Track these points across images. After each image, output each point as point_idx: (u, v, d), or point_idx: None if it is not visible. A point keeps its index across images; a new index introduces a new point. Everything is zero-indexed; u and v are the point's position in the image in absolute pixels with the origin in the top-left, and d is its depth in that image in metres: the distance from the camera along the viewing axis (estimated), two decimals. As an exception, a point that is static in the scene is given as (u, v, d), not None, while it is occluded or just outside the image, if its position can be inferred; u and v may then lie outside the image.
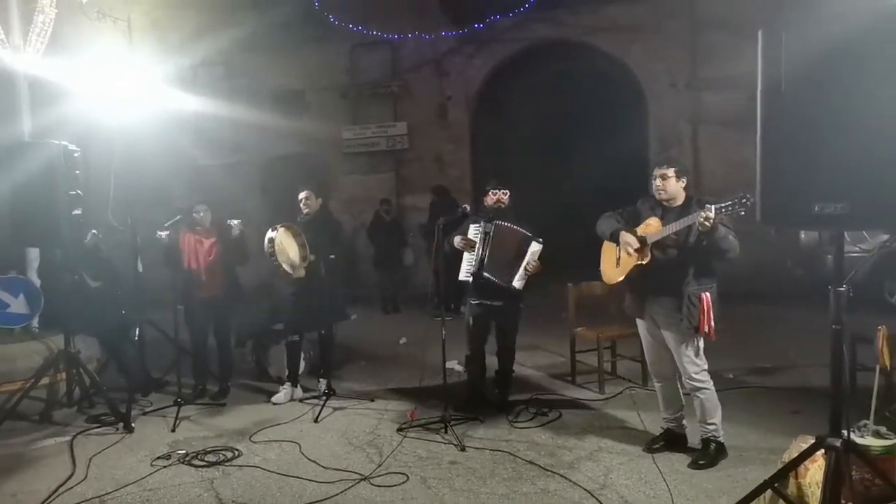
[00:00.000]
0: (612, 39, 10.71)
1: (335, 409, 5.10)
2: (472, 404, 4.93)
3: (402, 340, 7.60)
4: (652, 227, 3.70)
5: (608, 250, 4.02)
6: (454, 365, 5.84)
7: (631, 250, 3.67)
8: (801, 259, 8.61)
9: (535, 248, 4.73)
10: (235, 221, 5.34)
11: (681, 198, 3.75)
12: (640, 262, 3.69)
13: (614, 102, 11.42)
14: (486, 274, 4.73)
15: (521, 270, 4.70)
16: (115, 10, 12.83)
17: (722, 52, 9.86)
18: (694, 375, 3.71)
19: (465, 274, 4.87)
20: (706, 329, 3.59)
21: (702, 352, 3.74)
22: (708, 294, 3.62)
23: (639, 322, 3.99)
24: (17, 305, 5.19)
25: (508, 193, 4.92)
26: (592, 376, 5.45)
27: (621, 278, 3.85)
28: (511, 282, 4.71)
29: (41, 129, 5.99)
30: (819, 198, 2.40)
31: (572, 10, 10.74)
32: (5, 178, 4.82)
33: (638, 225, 3.81)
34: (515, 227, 4.80)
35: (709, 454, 3.74)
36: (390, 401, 5.31)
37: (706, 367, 3.76)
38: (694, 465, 3.71)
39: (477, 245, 4.80)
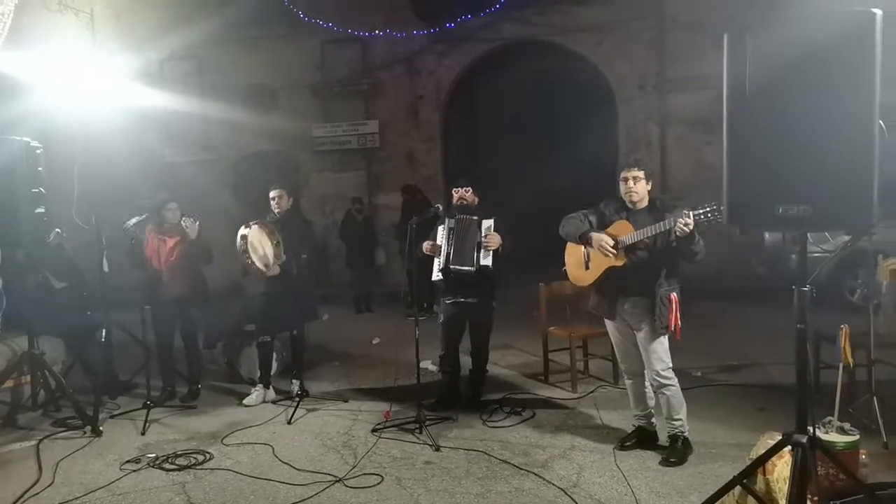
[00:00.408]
0: (580, 40, 10.83)
1: (308, 410, 5.07)
2: (447, 404, 4.96)
3: (376, 340, 7.58)
4: (623, 229, 3.76)
5: (573, 252, 4.08)
6: (428, 365, 5.85)
7: (608, 250, 3.72)
8: (764, 259, 8.83)
9: (486, 223, 4.78)
10: (187, 220, 5.23)
11: (646, 200, 3.83)
12: (615, 264, 3.75)
13: (584, 103, 11.55)
14: (452, 267, 4.76)
15: (482, 249, 4.73)
16: (76, 2, 12.51)
17: (688, 53, 10.05)
18: (661, 372, 3.80)
19: (436, 274, 4.90)
20: (673, 328, 3.70)
21: (668, 349, 3.84)
22: (675, 294, 3.73)
23: (608, 322, 4.06)
24: (-22, 307, 5.03)
25: (471, 190, 4.95)
26: (565, 375, 5.51)
27: (594, 280, 3.90)
28: (478, 263, 4.72)
29: (3, 123, 5.80)
30: (783, 200, 2.46)
31: (541, 10, 10.83)
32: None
33: (604, 227, 3.87)
34: (469, 216, 4.83)
35: (678, 451, 3.82)
36: (364, 401, 5.30)
37: (671, 364, 3.86)
38: (665, 462, 3.79)
39: (443, 244, 4.83)
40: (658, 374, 3.81)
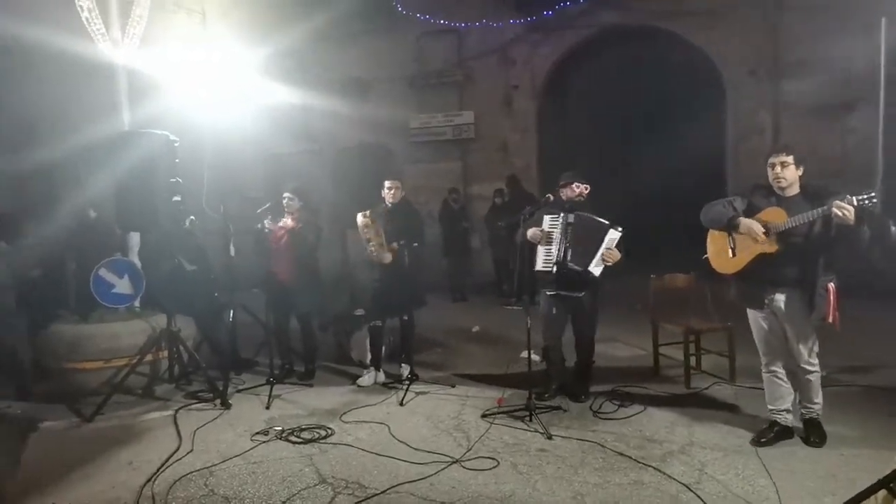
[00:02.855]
0: (686, 24, 10.40)
1: (418, 393, 5.23)
2: (554, 394, 4.97)
3: (475, 328, 7.68)
4: (776, 216, 3.65)
5: (717, 239, 3.98)
6: (532, 355, 5.87)
7: (759, 236, 3.64)
8: (888, 253, 8.23)
9: (612, 235, 4.70)
10: (287, 220, 5.58)
11: (797, 186, 3.71)
12: (766, 251, 3.65)
13: (689, 90, 11.10)
14: (570, 264, 4.72)
15: (598, 257, 4.67)
16: (187, 2, 13.29)
17: (806, 36, 9.48)
18: (809, 359, 3.81)
19: (543, 265, 4.85)
20: (831, 319, 3.61)
21: (816, 337, 3.84)
22: (832, 284, 3.63)
23: (752, 312, 3.96)
24: (122, 286, 5.48)
25: (589, 188, 4.93)
26: (675, 370, 5.40)
27: (740, 268, 3.82)
28: (587, 266, 4.68)
29: (138, 120, 6.29)
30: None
31: (642, -6, 10.52)
32: (111, 166, 5.10)
33: (752, 214, 3.77)
34: (594, 216, 4.78)
35: (819, 431, 3.87)
36: (470, 387, 5.40)
37: (818, 350, 3.85)
38: (811, 443, 3.83)
39: (557, 236, 4.79)
40: (807, 362, 3.82)
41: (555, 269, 4.78)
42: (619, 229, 4.72)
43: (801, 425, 3.99)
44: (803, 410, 3.94)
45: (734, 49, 10.17)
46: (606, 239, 4.69)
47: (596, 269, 4.69)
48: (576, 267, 4.70)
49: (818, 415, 3.92)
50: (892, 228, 3.50)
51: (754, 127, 10.08)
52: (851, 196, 3.30)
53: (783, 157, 3.68)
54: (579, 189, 4.90)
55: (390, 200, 5.48)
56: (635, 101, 12.78)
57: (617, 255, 4.68)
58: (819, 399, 3.90)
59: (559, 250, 4.77)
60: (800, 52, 9.57)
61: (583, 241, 4.73)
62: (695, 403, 4.79)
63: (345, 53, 12.38)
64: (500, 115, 11.95)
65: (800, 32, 9.58)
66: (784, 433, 3.96)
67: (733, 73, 10.25)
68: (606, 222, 4.73)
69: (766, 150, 4.00)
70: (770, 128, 9.96)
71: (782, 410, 3.98)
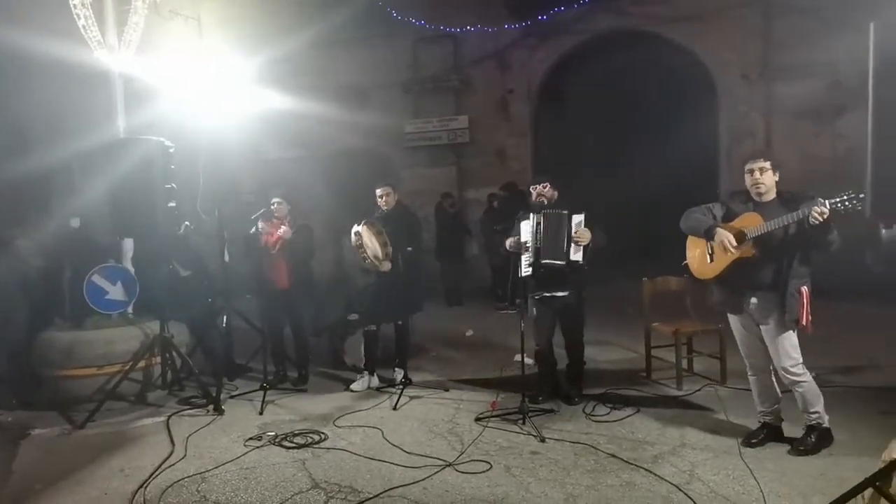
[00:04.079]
0: (679, 29, 10.50)
1: (411, 397, 5.23)
2: (547, 397, 4.98)
3: (469, 333, 7.69)
4: (751, 221, 3.68)
5: (696, 245, 4.01)
6: (526, 359, 5.87)
7: (730, 249, 3.66)
8: (881, 256, 8.27)
9: (576, 218, 4.73)
10: (283, 229, 5.58)
11: (774, 191, 3.73)
12: (744, 256, 3.67)
13: (682, 94, 11.18)
14: (544, 261, 4.74)
15: (571, 243, 4.70)
16: (184, 9, 13.32)
17: (797, 39, 9.56)
18: (791, 368, 3.73)
19: (524, 270, 4.87)
20: (804, 322, 3.60)
21: (797, 345, 3.75)
22: (806, 287, 3.63)
23: (732, 317, 3.98)
24: (115, 293, 5.48)
25: (549, 185, 4.95)
26: (667, 372, 5.41)
27: (718, 273, 3.84)
28: (568, 257, 4.70)
29: (133, 126, 6.29)
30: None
31: (637, -1, 10.59)
32: (107, 172, 5.11)
33: (730, 220, 3.79)
34: (557, 210, 4.79)
35: (810, 441, 3.79)
36: (464, 391, 5.41)
37: (801, 359, 3.76)
38: (795, 451, 3.76)
39: (529, 239, 4.82)
40: (788, 371, 3.74)
41: (530, 270, 4.80)
42: (582, 212, 4.73)
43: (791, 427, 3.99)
44: (804, 418, 3.87)
45: (726, 53, 10.25)
46: (573, 223, 4.72)
47: (576, 255, 4.71)
48: (554, 262, 4.71)
49: (819, 423, 3.81)
50: (836, 230, 3.52)
51: (746, 130, 10.15)
52: (824, 200, 3.35)
53: (761, 163, 3.70)
54: (536, 190, 4.94)
55: (384, 207, 5.49)
56: (630, 105, 12.85)
57: (587, 234, 4.69)
58: (817, 408, 3.79)
59: (532, 252, 4.80)
60: (791, 55, 9.64)
61: (553, 235, 4.76)
62: (686, 405, 4.82)
63: (340, 59, 12.42)
64: (496, 119, 12.00)
65: (791, 36, 9.66)
66: (774, 434, 3.97)
67: (726, 76, 10.33)
68: (566, 212, 4.74)
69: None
70: (762, 131, 10.04)
71: (769, 412, 3.99)
